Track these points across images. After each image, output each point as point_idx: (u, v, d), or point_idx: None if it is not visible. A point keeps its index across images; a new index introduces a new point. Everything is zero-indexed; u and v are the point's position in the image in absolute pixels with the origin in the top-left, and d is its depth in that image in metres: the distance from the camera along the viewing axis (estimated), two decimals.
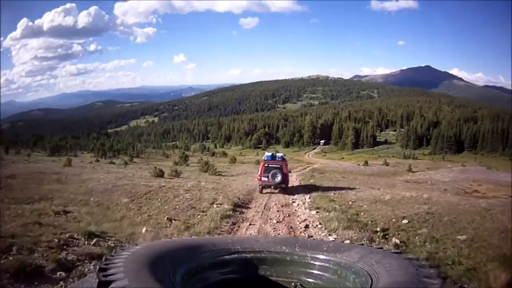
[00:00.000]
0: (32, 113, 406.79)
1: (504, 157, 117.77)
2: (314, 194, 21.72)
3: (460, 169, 73.65)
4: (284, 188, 22.88)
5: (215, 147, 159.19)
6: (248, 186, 25.48)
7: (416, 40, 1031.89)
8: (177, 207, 16.75)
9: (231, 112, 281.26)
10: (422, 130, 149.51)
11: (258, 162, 64.53)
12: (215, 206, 16.71)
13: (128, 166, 51.50)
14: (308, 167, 66.50)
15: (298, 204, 18.68)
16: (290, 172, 29.76)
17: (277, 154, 25.21)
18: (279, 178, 22.09)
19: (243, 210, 16.84)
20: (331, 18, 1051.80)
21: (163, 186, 23.06)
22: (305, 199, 20.39)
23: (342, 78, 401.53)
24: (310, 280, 2.59)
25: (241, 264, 2.71)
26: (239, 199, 19.20)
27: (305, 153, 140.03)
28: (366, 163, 79.00)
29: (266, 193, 22.60)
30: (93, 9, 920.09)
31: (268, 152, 28.27)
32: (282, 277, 2.66)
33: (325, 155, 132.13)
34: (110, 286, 1.75)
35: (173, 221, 13.63)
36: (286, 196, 21.55)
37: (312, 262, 2.66)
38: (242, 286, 2.65)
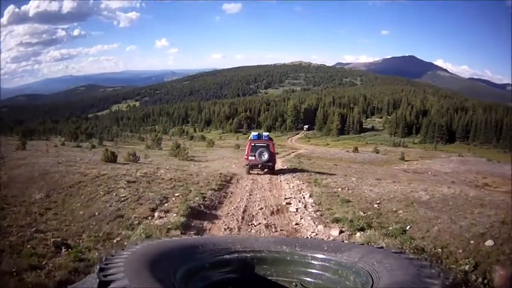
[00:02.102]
0: (17, 99, 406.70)
1: (498, 149, 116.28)
2: (315, 190, 15.46)
3: (459, 160, 70.81)
4: (271, 167, 22.52)
5: (195, 131, 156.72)
6: (223, 176, 19.38)
7: (400, 30, 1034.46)
8: (97, 214, 10.87)
9: (213, 96, 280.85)
10: (411, 118, 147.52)
11: (238, 147, 64.29)
12: (156, 215, 10.44)
13: (93, 150, 47.15)
14: (292, 152, 63.97)
15: (298, 210, 12.08)
16: (277, 153, 28.91)
17: (263, 133, 24.69)
18: (265, 156, 21.76)
19: (203, 223, 10.22)
20: (315, 5, 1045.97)
21: (104, 175, 16.55)
22: (304, 198, 13.97)
23: (324, 65, 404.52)
24: (310, 279, 2.53)
25: (241, 263, 2.63)
26: (204, 199, 12.76)
27: (288, 138, 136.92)
28: (356, 150, 76.91)
29: (253, 173, 21.94)
30: None
31: (254, 132, 26.09)
32: (283, 276, 2.59)
33: (309, 141, 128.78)
34: (111, 286, 1.73)
35: (62, 250, 7.45)
36: (276, 194, 15.28)
37: (312, 261, 2.60)
38: (242, 285, 2.56)
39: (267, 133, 25.02)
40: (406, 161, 65.33)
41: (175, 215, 10.03)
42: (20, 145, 38.69)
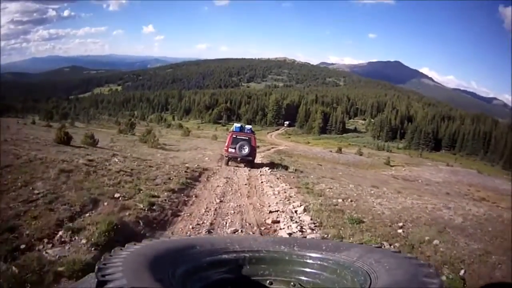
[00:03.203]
0: (3, 76, 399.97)
1: (485, 162, 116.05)
2: (309, 200, 11.69)
3: (449, 170, 69.61)
4: (251, 161, 22.00)
5: (173, 119, 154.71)
6: (190, 171, 15.78)
7: (388, 35, 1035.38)
8: None
9: (195, 86, 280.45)
10: (396, 122, 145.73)
11: (215, 138, 60.71)
12: (57, 237, 6.37)
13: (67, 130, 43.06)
14: (272, 148, 61.48)
15: (291, 235, 7.92)
16: (259, 146, 28.05)
17: (246, 126, 24.18)
18: (246, 150, 21.24)
19: None
20: (304, 3, 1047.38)
21: (40, 159, 12.74)
22: (295, 213, 10.04)
23: (309, 63, 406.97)
24: (308, 279, 2.44)
25: (239, 263, 2.56)
26: (151, 207, 8.93)
27: (268, 133, 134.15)
28: (339, 151, 74.27)
29: (232, 165, 21.32)
30: None
31: (237, 124, 25.09)
32: (281, 276, 2.52)
33: (289, 137, 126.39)
34: (109, 286, 1.67)
35: None
36: (257, 204, 11.26)
37: (310, 261, 2.53)
38: (241, 285, 2.48)
39: (250, 126, 24.49)
40: (392, 166, 63.69)
41: (84, 241, 6.05)
42: None
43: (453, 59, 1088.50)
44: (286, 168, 23.46)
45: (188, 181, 13.38)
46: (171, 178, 13.05)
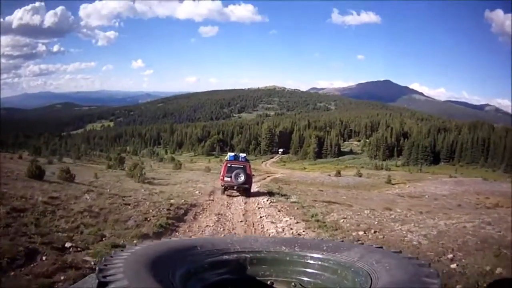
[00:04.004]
0: None
1: (486, 168, 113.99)
2: (323, 236, 9.40)
3: (453, 181, 67.33)
4: (247, 189, 21.66)
5: (166, 152, 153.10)
6: (174, 208, 13.53)
7: (376, 55, 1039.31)
8: None
9: (186, 119, 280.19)
10: (392, 140, 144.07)
11: (208, 170, 58.51)
12: None
13: (53, 166, 41.04)
14: (268, 176, 59.50)
15: None
16: (254, 175, 28.28)
17: (240, 154, 24.25)
18: (242, 178, 20.90)
19: None
20: (290, 29, 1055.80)
21: None
22: None
23: (299, 90, 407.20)
24: (309, 279, 2.49)
25: (240, 264, 2.62)
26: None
27: (262, 162, 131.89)
28: (338, 174, 72.67)
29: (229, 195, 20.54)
30: (59, 9, 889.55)
31: (231, 153, 25.08)
32: (282, 276, 2.56)
33: (284, 165, 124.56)
34: (110, 287, 1.71)
35: None
36: None
37: (311, 261, 2.57)
38: (241, 286, 2.53)
39: (244, 154, 24.60)
40: (393, 184, 61.58)
41: None
42: None
43: (442, 71, 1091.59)
44: (286, 197, 21.56)
45: (169, 221, 11.20)
46: (148, 218, 10.94)
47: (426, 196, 42.34)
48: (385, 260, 2.15)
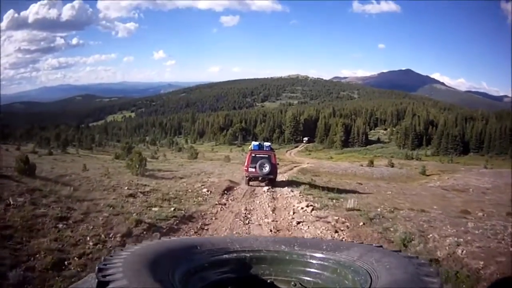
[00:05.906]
0: (15, 106, 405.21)
1: None
2: None
3: (490, 173, 62.37)
4: (273, 180, 21.21)
5: (186, 142, 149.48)
6: (154, 226, 9.22)
7: (397, 44, 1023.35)
8: None
9: (208, 109, 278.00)
10: (420, 129, 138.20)
11: (228, 159, 55.20)
12: None
13: (50, 157, 43.03)
14: (294, 167, 55.21)
15: None
16: (278, 164, 26.06)
17: (265, 144, 23.17)
18: (267, 168, 20.46)
19: None
20: (311, 19, 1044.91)
21: None
22: None
23: (322, 79, 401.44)
24: (309, 279, 2.50)
25: (240, 263, 2.62)
26: None
27: (287, 151, 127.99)
28: (371, 164, 67.62)
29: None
30: (76, 2, 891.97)
31: (255, 142, 23.91)
32: (281, 276, 2.57)
33: (309, 154, 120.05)
34: (109, 286, 1.72)
35: None
36: None
37: (311, 261, 2.58)
38: (241, 285, 2.52)
39: (269, 143, 23.66)
40: (428, 175, 57.97)
41: None
42: None
43: (462, 61, 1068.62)
44: (334, 199, 14.86)
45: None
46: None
47: (471, 190, 39.07)
48: (385, 259, 2.16)
